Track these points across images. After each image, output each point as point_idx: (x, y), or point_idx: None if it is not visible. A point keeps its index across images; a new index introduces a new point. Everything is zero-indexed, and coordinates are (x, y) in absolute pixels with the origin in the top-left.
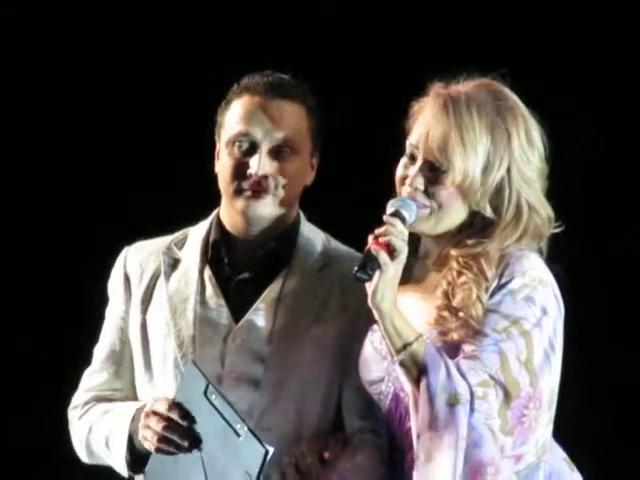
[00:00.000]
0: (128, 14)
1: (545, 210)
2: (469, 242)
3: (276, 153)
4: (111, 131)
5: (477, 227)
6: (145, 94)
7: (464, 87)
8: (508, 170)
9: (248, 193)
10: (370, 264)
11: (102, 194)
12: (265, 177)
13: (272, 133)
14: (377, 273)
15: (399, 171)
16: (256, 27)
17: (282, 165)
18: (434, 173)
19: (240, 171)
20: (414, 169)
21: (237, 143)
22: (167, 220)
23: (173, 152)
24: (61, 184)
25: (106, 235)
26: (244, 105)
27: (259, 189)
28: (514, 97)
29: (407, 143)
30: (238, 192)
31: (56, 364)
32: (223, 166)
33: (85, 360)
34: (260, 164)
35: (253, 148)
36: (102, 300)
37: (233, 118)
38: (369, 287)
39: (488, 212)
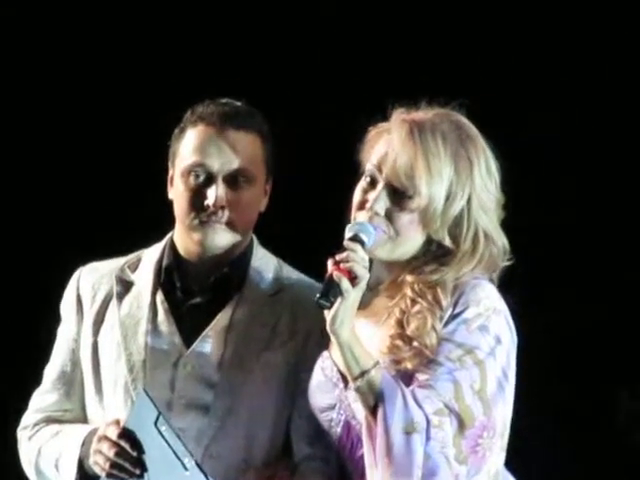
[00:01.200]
0: (127, 15)
1: (501, 240)
2: (427, 269)
3: (232, 183)
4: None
5: (434, 255)
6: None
7: (425, 114)
8: (468, 199)
9: (205, 223)
10: (332, 291)
11: (55, 214)
12: (222, 207)
13: (228, 164)
14: (338, 299)
15: (357, 195)
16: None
17: (238, 195)
18: (397, 198)
19: (196, 201)
20: (374, 193)
21: (193, 173)
22: (121, 241)
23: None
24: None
25: (60, 254)
26: (199, 135)
27: (216, 219)
28: (473, 127)
29: (367, 167)
30: (195, 222)
31: (6, 383)
32: (179, 195)
33: (36, 380)
34: (217, 195)
35: (209, 179)
36: (54, 320)
37: (188, 148)
38: (328, 313)
39: (447, 241)
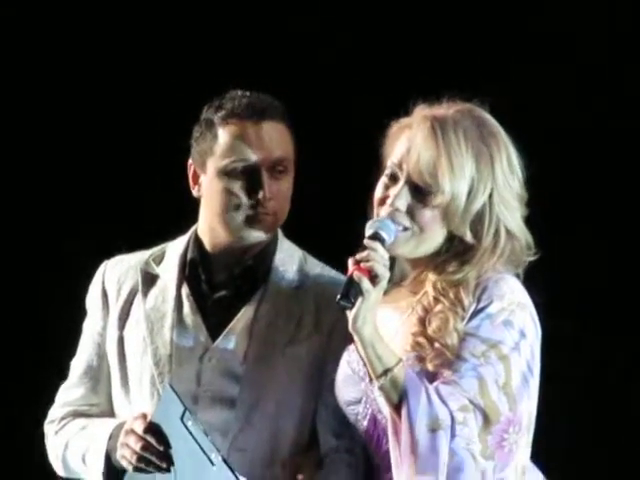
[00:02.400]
0: (124, 16)
1: (524, 236)
2: (449, 269)
3: (273, 175)
4: (90, 147)
5: (455, 251)
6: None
7: (447, 111)
8: (490, 195)
9: (253, 217)
10: (353, 291)
11: (79, 209)
12: (269, 200)
13: (268, 157)
14: (359, 299)
15: (378, 192)
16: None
17: (279, 185)
18: (419, 194)
19: (240, 197)
20: (396, 189)
21: (234, 171)
22: (141, 235)
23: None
24: (38, 196)
25: (85, 249)
26: (236, 131)
27: (264, 212)
28: (496, 123)
29: (388, 163)
30: (240, 218)
31: (34, 378)
32: (216, 192)
33: (63, 374)
34: (266, 188)
35: (250, 173)
36: (80, 314)
37: (226, 145)
38: (349, 313)
39: (468, 237)
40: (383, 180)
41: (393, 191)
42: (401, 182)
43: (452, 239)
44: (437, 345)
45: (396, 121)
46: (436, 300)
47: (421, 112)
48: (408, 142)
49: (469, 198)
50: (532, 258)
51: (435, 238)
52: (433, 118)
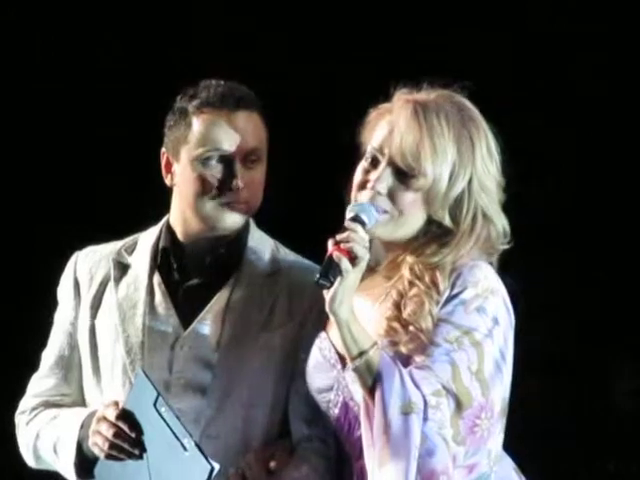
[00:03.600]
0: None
1: (501, 222)
2: (427, 251)
3: (246, 164)
4: (61, 137)
5: (433, 235)
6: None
7: (428, 95)
8: (469, 180)
9: (225, 206)
10: (332, 271)
11: (53, 197)
12: (242, 189)
13: (242, 146)
14: (338, 279)
15: (358, 176)
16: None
17: (251, 174)
18: (400, 178)
19: (212, 185)
20: (377, 173)
21: (208, 159)
22: (116, 224)
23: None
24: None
25: (56, 239)
26: (210, 120)
27: (236, 201)
28: (475, 109)
29: (368, 148)
30: (211, 206)
31: (4, 369)
32: (189, 181)
33: (33, 365)
34: (239, 177)
35: (223, 162)
36: (51, 305)
37: (200, 134)
38: (327, 293)
39: (447, 221)
40: (363, 165)
41: (374, 175)
42: (382, 165)
43: (430, 223)
44: (412, 329)
45: (375, 107)
46: (411, 284)
47: (402, 97)
48: (389, 125)
49: (450, 182)
50: (506, 246)
51: (414, 222)
52: (415, 102)
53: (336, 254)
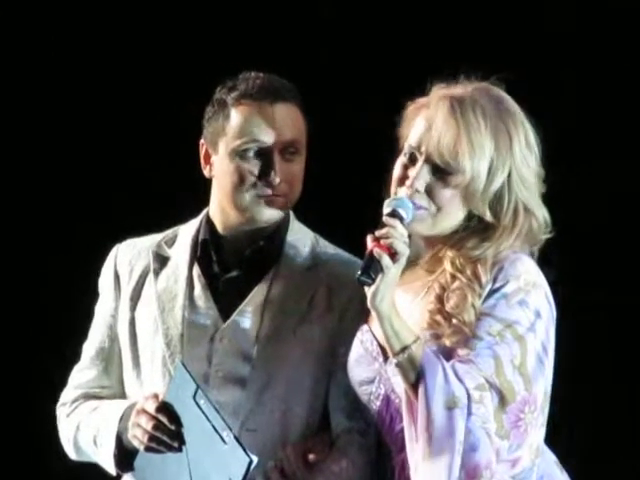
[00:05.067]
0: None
1: (542, 213)
2: (468, 244)
3: (285, 157)
4: (97, 130)
5: (474, 229)
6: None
7: (465, 90)
8: (509, 174)
9: (263, 198)
10: (373, 267)
11: (91, 194)
12: (281, 182)
13: (280, 138)
14: (379, 275)
15: (397, 172)
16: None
17: (291, 167)
18: (438, 174)
19: (251, 178)
20: (415, 170)
21: (246, 152)
22: (154, 220)
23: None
24: (48, 183)
25: (96, 233)
26: (249, 112)
27: (275, 194)
28: (513, 102)
29: (406, 145)
30: (250, 198)
31: (46, 361)
32: (228, 173)
33: (74, 357)
34: (277, 171)
35: (262, 154)
36: (92, 297)
37: (239, 126)
38: (369, 289)
39: (487, 216)
40: (401, 160)
41: (412, 172)
42: (420, 163)
43: (471, 218)
44: (455, 322)
45: (412, 101)
46: (453, 277)
47: (439, 92)
48: (427, 122)
49: (489, 177)
50: (548, 236)
51: (453, 217)
52: (452, 97)
53: (376, 250)
